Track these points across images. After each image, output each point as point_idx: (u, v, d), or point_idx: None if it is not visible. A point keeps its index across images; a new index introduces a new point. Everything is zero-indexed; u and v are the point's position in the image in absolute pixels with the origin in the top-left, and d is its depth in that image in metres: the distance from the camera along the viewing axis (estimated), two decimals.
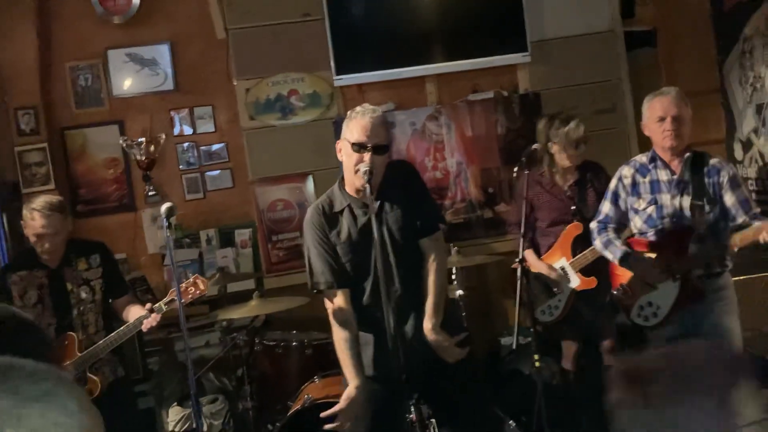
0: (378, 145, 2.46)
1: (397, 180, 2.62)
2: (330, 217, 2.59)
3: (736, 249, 2.83)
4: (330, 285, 2.57)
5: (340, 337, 2.55)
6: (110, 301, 3.33)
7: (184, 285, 3.05)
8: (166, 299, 3.07)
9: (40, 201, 3.12)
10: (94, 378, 3.11)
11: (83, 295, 3.20)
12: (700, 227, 2.88)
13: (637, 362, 1.27)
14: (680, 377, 1.19)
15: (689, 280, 2.90)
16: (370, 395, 2.56)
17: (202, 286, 3.08)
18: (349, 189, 2.57)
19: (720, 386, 1.18)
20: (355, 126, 2.48)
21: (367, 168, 2.42)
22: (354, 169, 2.47)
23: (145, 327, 3.07)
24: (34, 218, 3.09)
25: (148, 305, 3.10)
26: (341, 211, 2.57)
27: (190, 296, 3.08)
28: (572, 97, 4.67)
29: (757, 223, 2.74)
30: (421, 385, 2.53)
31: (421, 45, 4.67)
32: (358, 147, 2.46)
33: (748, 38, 4.49)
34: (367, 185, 2.40)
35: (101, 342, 3.10)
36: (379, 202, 2.55)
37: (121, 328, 3.12)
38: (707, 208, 2.88)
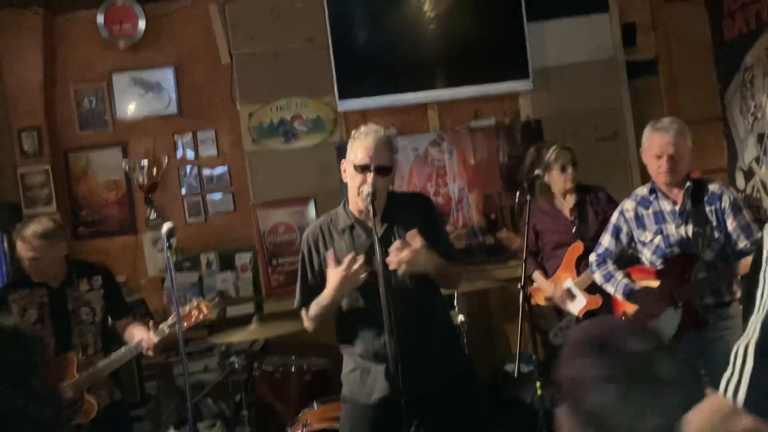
0: (381, 166, 2.44)
1: (414, 209, 2.59)
2: (329, 236, 2.57)
3: (740, 276, 2.82)
4: (300, 306, 2.61)
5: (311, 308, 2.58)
6: (111, 322, 3.31)
7: (187, 308, 3.03)
8: (169, 321, 3.05)
9: (31, 230, 3.12)
10: (91, 401, 3.07)
11: (83, 316, 3.19)
12: (704, 255, 2.88)
13: (597, 330, 1.27)
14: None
15: (692, 308, 2.88)
16: (371, 421, 2.53)
17: (205, 311, 3.06)
18: (353, 209, 2.55)
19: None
20: (359, 147, 2.46)
21: (370, 190, 2.40)
22: (357, 191, 2.46)
23: (145, 349, 3.04)
24: (23, 245, 3.12)
25: (150, 327, 3.06)
26: (343, 230, 2.55)
27: (193, 320, 3.05)
28: (574, 124, 4.69)
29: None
30: (422, 409, 2.50)
31: (423, 71, 4.70)
32: (361, 168, 2.44)
33: (748, 68, 4.52)
34: (370, 207, 2.38)
35: (101, 363, 3.08)
36: (386, 226, 2.52)
37: (121, 349, 3.09)
38: (715, 234, 2.87)
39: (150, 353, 3.07)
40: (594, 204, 3.69)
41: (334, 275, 2.40)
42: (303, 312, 2.61)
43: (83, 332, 3.19)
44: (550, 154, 3.74)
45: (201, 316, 3.07)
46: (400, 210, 2.57)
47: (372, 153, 2.42)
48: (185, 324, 2.97)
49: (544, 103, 4.81)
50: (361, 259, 2.37)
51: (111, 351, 3.16)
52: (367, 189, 2.41)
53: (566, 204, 3.75)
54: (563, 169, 3.69)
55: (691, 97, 4.98)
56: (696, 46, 4.98)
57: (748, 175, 4.66)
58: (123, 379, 3.50)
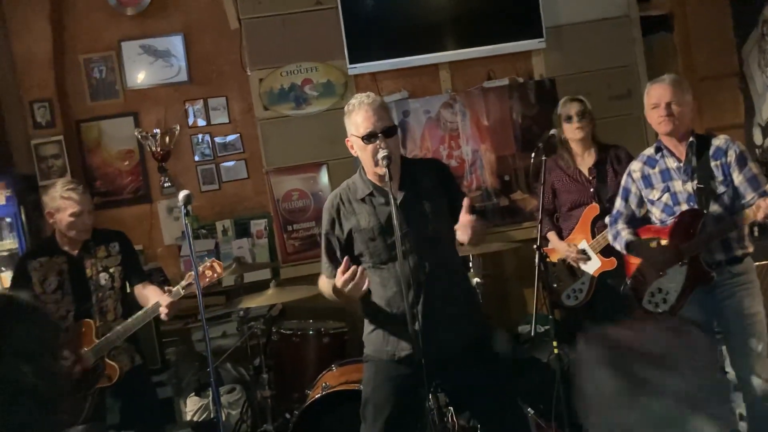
0: (386, 127, 2.45)
1: (432, 175, 2.59)
2: (349, 205, 2.57)
3: (746, 229, 2.81)
4: (330, 275, 2.60)
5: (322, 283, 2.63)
6: (129, 289, 3.34)
7: (201, 268, 3.05)
8: (183, 282, 3.07)
9: (64, 184, 3.16)
10: (113, 364, 3.12)
11: (102, 281, 3.22)
12: (710, 210, 2.85)
13: (607, 342, 1.24)
14: (646, 357, 1.18)
15: (698, 264, 2.87)
16: (394, 380, 2.56)
17: (219, 269, 3.09)
18: (372, 178, 2.55)
19: (684, 367, 1.16)
20: (358, 118, 2.46)
21: (385, 153, 2.40)
22: (373, 160, 2.45)
23: (164, 314, 3.07)
24: (71, 197, 3.11)
25: (166, 290, 3.09)
26: (363, 199, 2.55)
27: (207, 279, 3.08)
28: (588, 82, 4.63)
29: (759, 201, 2.69)
30: (441, 372, 2.53)
31: (434, 32, 4.64)
32: (368, 137, 2.44)
33: (766, 20, 4.42)
34: (386, 170, 2.38)
35: (119, 327, 3.11)
36: (404, 193, 2.52)
37: (138, 313, 3.13)
38: (721, 189, 2.84)
39: (165, 316, 3.09)
40: (614, 163, 3.65)
41: (338, 282, 2.38)
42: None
43: (103, 298, 3.22)
44: (559, 107, 3.74)
45: (215, 275, 3.09)
46: (418, 176, 2.56)
47: (373, 119, 2.43)
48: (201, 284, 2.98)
49: (557, 62, 4.75)
50: (360, 271, 2.35)
51: (131, 317, 3.20)
52: (381, 153, 2.41)
53: (585, 163, 3.72)
54: (568, 119, 3.67)
55: (707, 52, 4.90)
56: (711, 0, 4.88)
57: (766, 130, 4.59)
58: (143, 345, 3.54)
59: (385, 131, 2.44)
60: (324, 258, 2.65)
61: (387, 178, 2.38)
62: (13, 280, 3.30)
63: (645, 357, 1.17)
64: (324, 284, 2.65)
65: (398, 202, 2.44)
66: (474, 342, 2.59)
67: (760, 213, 2.66)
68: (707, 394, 1.15)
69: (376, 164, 2.44)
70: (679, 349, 1.19)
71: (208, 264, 3.07)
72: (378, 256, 2.53)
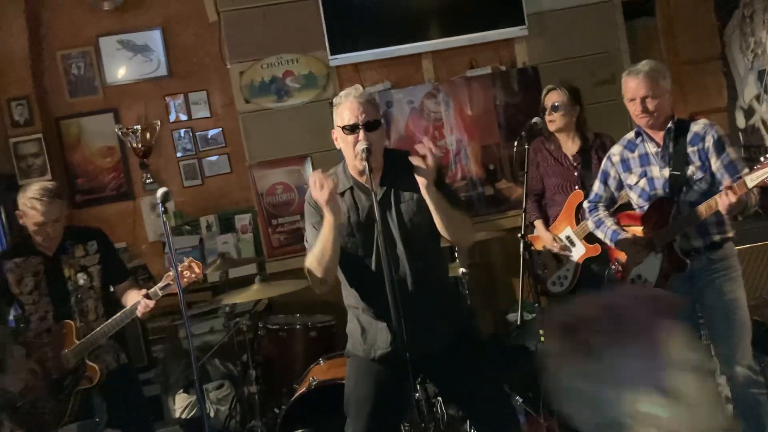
0: (369, 121, 2.42)
1: (411, 169, 2.51)
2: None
3: (703, 218, 2.74)
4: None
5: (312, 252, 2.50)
6: (111, 288, 3.30)
7: (180, 268, 2.99)
8: (161, 284, 3.02)
9: (36, 189, 3.05)
10: (93, 365, 3.08)
11: (81, 281, 3.16)
12: (685, 197, 2.82)
13: (572, 311, 1.25)
14: (613, 323, 1.18)
15: (672, 251, 2.86)
16: (374, 377, 2.54)
17: (197, 270, 3.01)
18: (353, 172, 2.53)
19: (650, 329, 1.17)
20: (344, 109, 2.44)
21: (365, 145, 2.37)
22: (354, 153, 2.43)
23: (140, 313, 3.02)
24: (35, 207, 3.02)
25: (143, 291, 3.05)
26: (342, 193, 2.52)
27: (185, 280, 3.00)
28: (571, 69, 4.61)
29: (720, 193, 2.64)
30: (426, 364, 2.51)
31: (416, 21, 4.61)
32: (350, 128, 2.42)
33: (748, 3, 4.42)
34: (365, 163, 2.35)
35: (99, 329, 3.07)
36: (384, 189, 2.50)
37: (117, 314, 3.08)
38: (698, 175, 2.81)
39: (142, 315, 3.04)
40: (598, 151, 3.64)
41: (314, 195, 2.38)
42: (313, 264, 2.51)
43: (82, 299, 3.16)
44: (543, 94, 3.74)
45: (193, 276, 3.01)
46: (401, 171, 2.49)
47: (357, 111, 2.41)
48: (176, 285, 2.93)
49: (540, 49, 4.73)
50: (319, 174, 2.36)
51: (113, 316, 3.15)
52: (360, 146, 2.39)
53: (570, 149, 3.71)
54: (543, 112, 3.66)
55: (690, 36, 4.89)
56: None
57: (749, 113, 4.60)
58: (129, 343, 3.51)
59: (367, 124, 2.41)
60: (310, 243, 2.54)
61: (367, 170, 2.35)
62: None
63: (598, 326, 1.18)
64: (309, 256, 2.50)
65: (378, 197, 2.42)
66: (457, 334, 2.57)
67: (722, 202, 2.60)
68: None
69: (356, 156, 2.42)
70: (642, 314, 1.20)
71: (186, 264, 3.01)
72: (357, 251, 2.51)
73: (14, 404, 3.00)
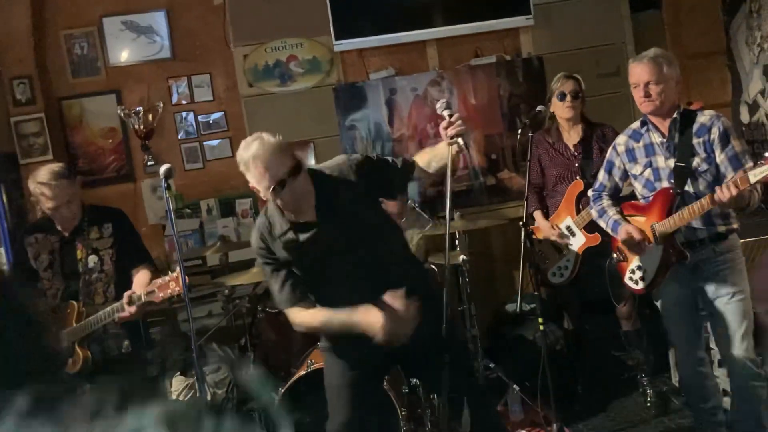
0: (282, 178, 2.27)
1: (345, 182, 2.43)
2: (271, 241, 2.46)
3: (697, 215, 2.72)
4: (294, 304, 2.50)
5: (314, 317, 2.48)
6: (128, 271, 3.19)
7: (168, 278, 2.90)
8: (147, 289, 2.93)
9: (43, 174, 3.00)
10: (80, 353, 3.02)
11: (91, 264, 3.10)
12: (689, 188, 2.80)
13: None
14: None
15: (672, 243, 2.85)
16: (349, 374, 2.54)
17: (177, 289, 2.88)
18: (287, 214, 2.45)
19: None
20: (250, 177, 2.32)
21: (285, 203, 2.35)
22: (282, 204, 2.38)
23: (118, 319, 2.95)
24: (44, 192, 2.98)
25: (126, 294, 2.94)
26: (280, 236, 2.43)
27: (161, 295, 2.90)
28: (576, 60, 4.59)
29: (717, 188, 2.61)
30: (399, 359, 2.54)
31: (422, 8, 4.58)
32: (272, 192, 2.29)
33: None
34: (292, 216, 2.37)
35: (92, 317, 3.01)
36: (319, 223, 2.40)
37: (100, 312, 3.00)
38: (703, 167, 2.80)
39: (119, 320, 2.96)
40: (600, 141, 3.64)
41: (376, 317, 2.30)
42: (297, 310, 2.50)
43: (90, 281, 3.11)
44: (554, 82, 3.73)
45: (169, 291, 2.90)
46: (333, 194, 2.41)
47: (267, 175, 2.26)
48: (160, 295, 2.87)
49: (545, 40, 4.71)
50: (413, 305, 2.28)
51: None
52: (283, 206, 2.37)
53: (571, 139, 3.71)
54: (562, 97, 3.65)
55: (695, 30, 4.87)
56: None
57: (753, 108, 4.58)
58: (126, 325, 3.47)
59: (281, 183, 2.27)
60: (285, 288, 2.46)
61: (298, 218, 2.37)
62: (14, 252, 3.26)
63: None
64: (306, 316, 2.48)
65: (316, 232, 2.38)
66: (430, 338, 2.42)
67: (718, 198, 2.57)
68: None
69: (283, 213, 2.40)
70: None
71: (175, 276, 2.88)
72: (317, 279, 2.48)
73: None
